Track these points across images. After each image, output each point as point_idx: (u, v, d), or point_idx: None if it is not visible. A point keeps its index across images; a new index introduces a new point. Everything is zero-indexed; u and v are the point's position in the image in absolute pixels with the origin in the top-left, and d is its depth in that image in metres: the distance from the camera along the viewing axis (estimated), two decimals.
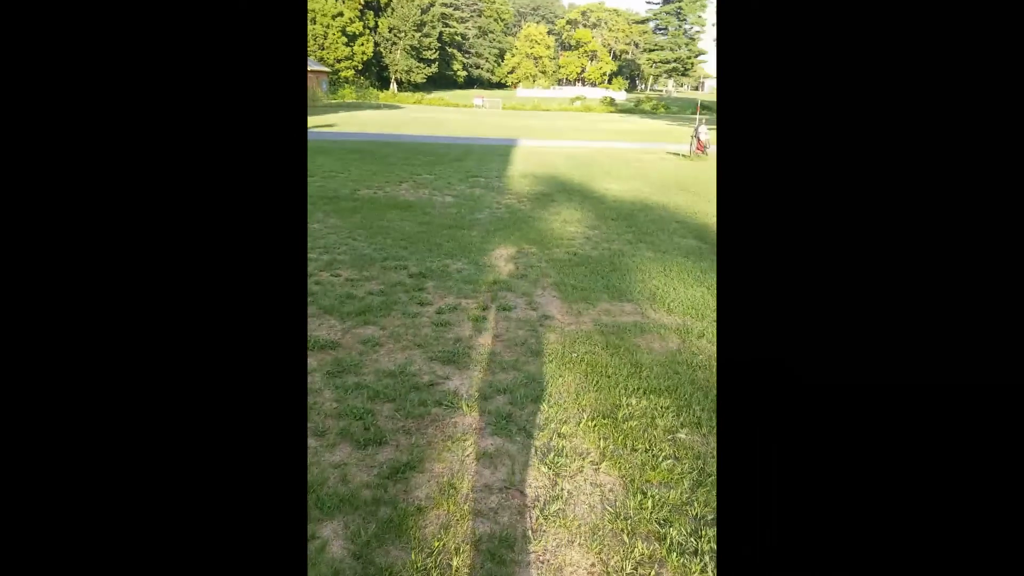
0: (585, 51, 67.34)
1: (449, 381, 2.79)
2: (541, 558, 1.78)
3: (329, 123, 22.01)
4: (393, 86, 51.93)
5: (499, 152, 14.00)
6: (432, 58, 54.55)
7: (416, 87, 53.22)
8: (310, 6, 45.67)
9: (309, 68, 38.54)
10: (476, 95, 49.48)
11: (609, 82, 66.89)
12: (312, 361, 2.93)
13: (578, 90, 58.38)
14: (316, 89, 37.92)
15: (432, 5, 54.12)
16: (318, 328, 3.36)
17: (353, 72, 47.11)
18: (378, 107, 34.93)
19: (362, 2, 50.31)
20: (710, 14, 54.06)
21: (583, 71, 68.08)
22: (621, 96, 54.36)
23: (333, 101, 36.80)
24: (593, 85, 64.68)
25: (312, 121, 22.32)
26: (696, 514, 1.98)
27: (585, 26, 68.48)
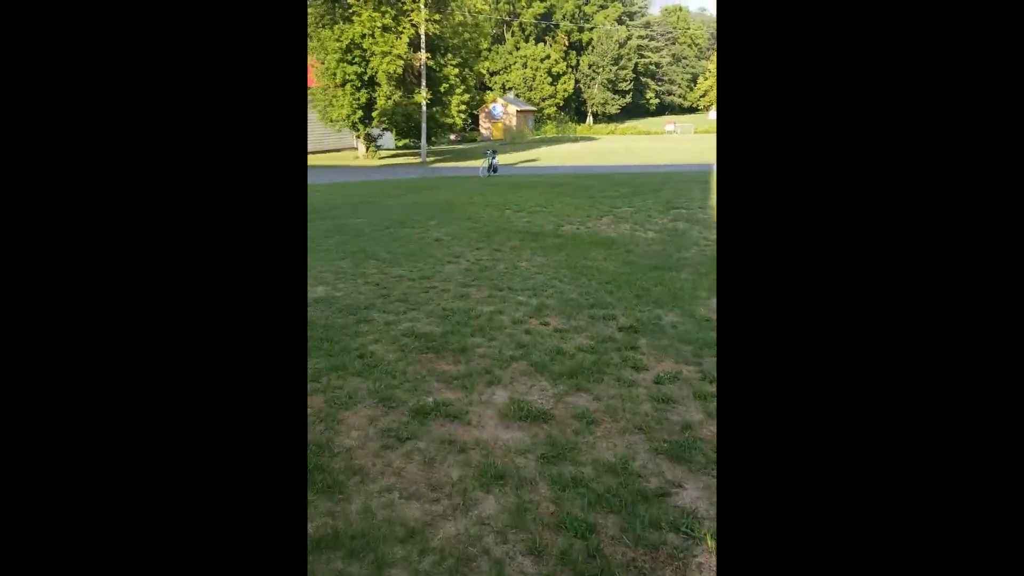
0: None
1: (683, 491, 2.16)
2: None
3: (533, 158, 22.72)
4: (589, 119, 52.39)
5: (698, 180, 12.79)
6: (627, 89, 53.82)
7: (610, 118, 52.98)
8: (523, 53, 48.44)
9: (519, 108, 40.73)
10: (667, 121, 47.45)
11: None
12: (526, 436, 2.55)
13: None
14: (524, 127, 39.85)
15: (629, 38, 53.48)
16: (530, 391, 3.00)
17: (555, 108, 48.60)
18: (575, 140, 35.34)
19: (566, 44, 51.80)
20: None
21: None
22: None
23: (537, 137, 38.27)
24: None
25: (518, 157, 23.28)
26: None
27: None
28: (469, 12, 23.64)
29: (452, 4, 22.47)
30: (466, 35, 23.12)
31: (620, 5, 55.66)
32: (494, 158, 15.84)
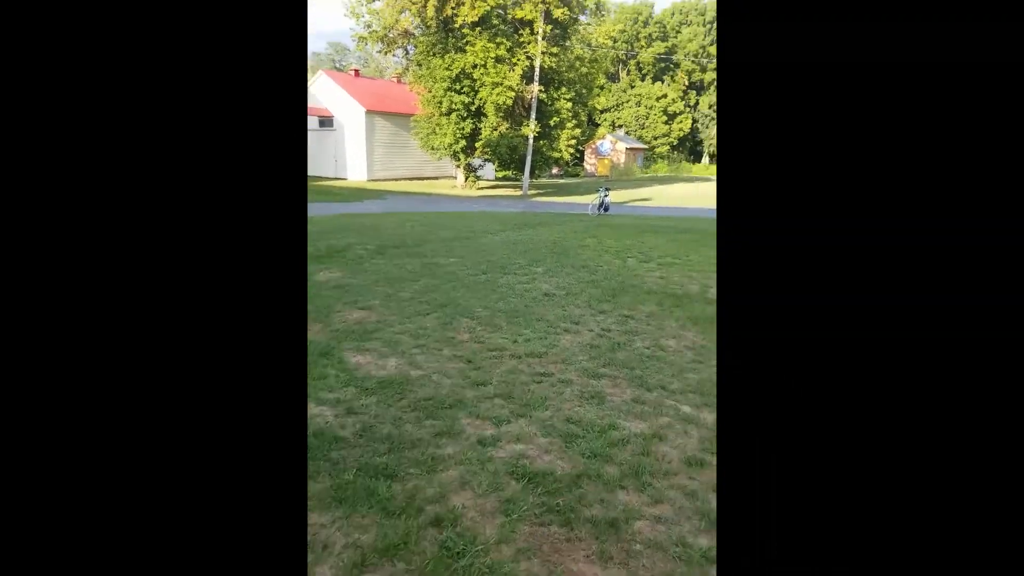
0: None
1: None
2: None
3: (646, 198, 21.15)
4: (705, 159, 49.95)
5: None
6: None
7: None
8: (638, 91, 47.55)
9: (628, 146, 39.52)
10: None
11: None
12: None
13: None
14: (632, 165, 38.45)
15: None
16: None
17: (668, 147, 46.88)
18: (691, 180, 33.27)
19: (686, 84, 50.28)
20: None
21: None
22: None
23: (646, 175, 36.63)
24: None
25: (628, 195, 21.82)
26: None
27: None
28: (589, 46, 22.98)
29: (572, 38, 21.91)
30: (583, 69, 22.40)
31: None
32: (607, 195, 14.50)
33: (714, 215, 14.62)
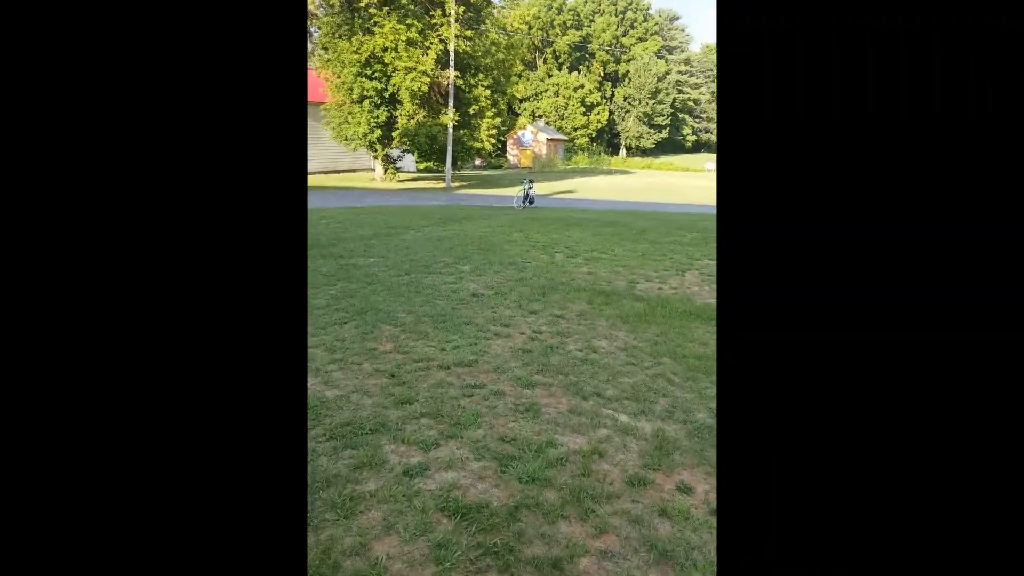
0: None
1: None
2: None
3: (569, 189, 21.38)
4: (622, 151, 51.50)
5: None
6: (663, 124, 53.02)
7: (644, 152, 52.05)
8: (555, 81, 48.04)
9: (549, 137, 39.91)
10: (706, 159, 46.26)
11: None
12: None
13: None
14: (554, 156, 38.88)
15: (668, 73, 52.97)
16: None
17: (587, 139, 47.85)
18: (610, 172, 34.14)
19: (602, 74, 51.47)
20: None
21: None
22: None
23: (568, 167, 37.20)
24: None
25: (553, 187, 21.98)
26: None
27: None
28: (505, 31, 22.77)
29: (487, 21, 21.60)
30: (500, 55, 22.18)
31: (660, 39, 55.48)
32: (531, 187, 14.44)
33: (633, 207, 15.11)
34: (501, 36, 22.47)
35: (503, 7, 22.64)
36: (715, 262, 6.87)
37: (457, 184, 22.39)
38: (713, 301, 5.44)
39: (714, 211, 14.30)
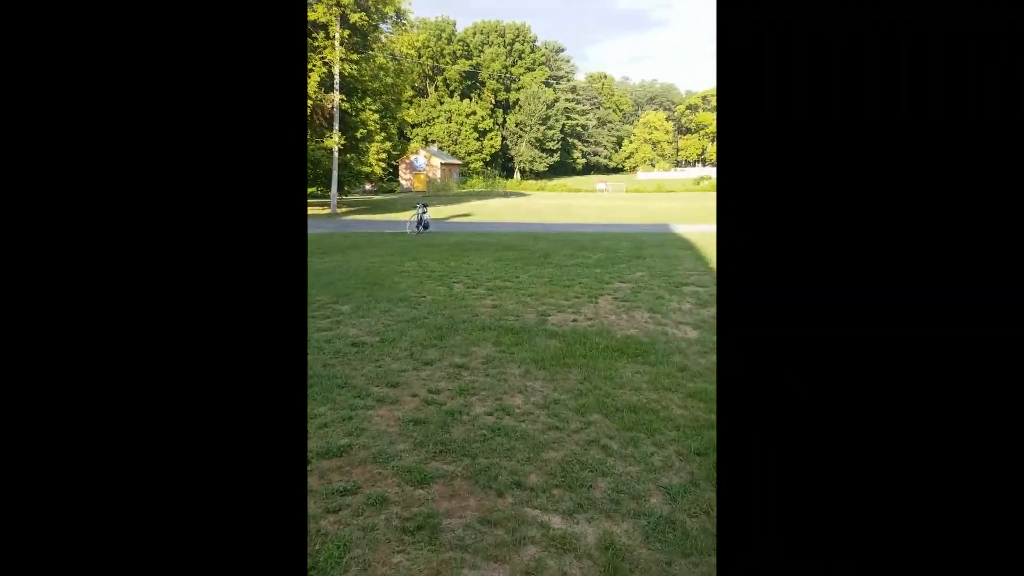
0: (706, 133, 64.50)
1: None
2: None
3: (465, 213, 20.68)
4: (517, 175, 52.14)
5: (673, 242, 11.12)
6: (554, 148, 54.51)
7: (538, 175, 53.09)
8: (447, 107, 47.72)
9: (443, 161, 39.28)
10: (596, 180, 48.09)
11: None
12: None
13: (700, 171, 55.16)
14: (448, 180, 38.22)
15: (556, 100, 54.75)
16: None
17: (481, 163, 47.88)
18: (506, 195, 34.04)
19: (493, 102, 52.03)
20: None
21: (703, 152, 65.00)
22: None
23: (463, 191, 36.66)
24: (714, 165, 61.19)
25: (449, 211, 21.18)
26: None
27: (706, 110, 66.03)
28: (394, 56, 21.86)
29: (374, 46, 20.59)
30: (388, 79, 21.20)
31: (547, 69, 57.38)
32: (425, 212, 13.50)
33: (532, 228, 14.67)
34: (390, 61, 21.51)
35: (391, 32, 21.70)
36: (626, 285, 6.31)
37: (344, 210, 20.86)
38: (633, 332, 4.80)
39: (611, 230, 14.21)
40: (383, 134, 21.74)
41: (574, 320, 5.17)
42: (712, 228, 14.23)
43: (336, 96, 18.83)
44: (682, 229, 14.33)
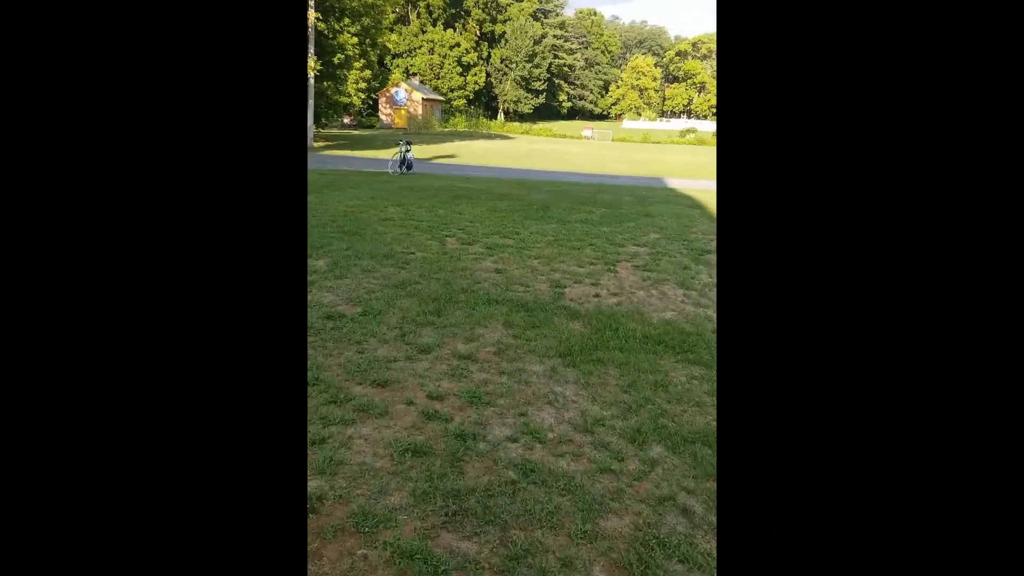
0: (693, 83, 62.29)
1: None
2: None
3: (449, 154, 19.20)
4: (501, 116, 49.72)
5: (674, 199, 10.21)
6: (540, 89, 51.92)
7: (522, 117, 50.77)
8: (430, 37, 44.54)
9: (425, 96, 36.87)
10: (582, 126, 46.22)
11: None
12: None
13: (686, 122, 53.59)
14: (431, 117, 36.00)
15: (544, 36, 51.64)
16: None
17: (464, 101, 45.34)
18: (491, 137, 32.24)
19: (478, 33, 48.77)
20: None
21: (690, 103, 63.03)
22: None
23: (445, 130, 34.62)
24: (700, 117, 59.50)
25: (432, 151, 19.65)
26: None
27: (695, 58, 63.47)
28: None
29: None
30: None
31: (536, 0, 53.75)
32: (408, 151, 12.19)
33: (523, 175, 13.51)
34: None
35: None
36: (643, 250, 5.40)
37: (321, 144, 19.14)
38: (671, 315, 3.95)
39: (606, 182, 13.18)
40: (362, 61, 19.79)
41: (596, 296, 4.27)
42: (712, 185, 13.31)
43: (311, 14, 16.76)
44: (679, 184, 13.39)
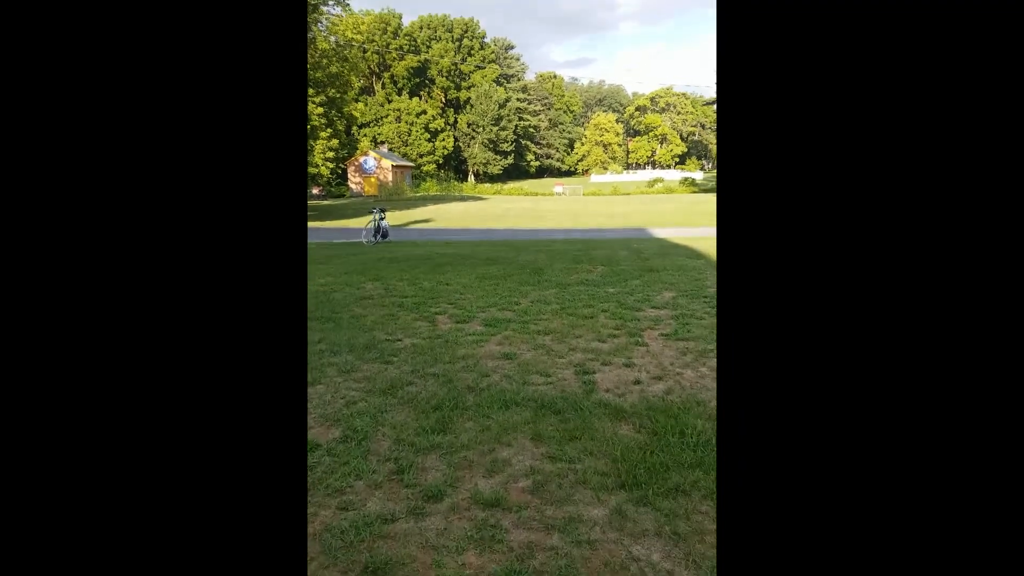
0: (655, 135, 64.51)
1: None
2: None
3: (425, 218, 18.66)
4: (471, 178, 50.20)
5: (670, 250, 9.64)
6: (508, 150, 52.89)
7: (492, 178, 51.35)
8: (396, 106, 45.26)
9: (394, 164, 36.92)
10: (552, 183, 46.84)
11: (682, 163, 63.35)
12: None
13: (652, 173, 54.94)
14: (401, 183, 35.89)
15: (508, 100, 53.14)
16: None
17: (434, 166, 45.69)
18: (463, 199, 32.11)
19: (443, 100, 49.91)
20: None
21: (653, 154, 65.03)
22: (699, 176, 50.26)
23: (417, 195, 34.44)
24: (664, 167, 61.24)
25: (406, 216, 19.10)
26: None
27: (654, 111, 66.07)
28: (338, 41, 19.58)
29: (314, 28, 18.27)
30: (333, 68, 18.94)
31: (497, 67, 55.72)
32: (383, 218, 11.51)
33: (504, 236, 12.93)
34: (333, 47, 19.21)
35: (334, 14, 19.39)
36: (663, 312, 4.53)
37: None
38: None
39: (591, 236, 12.66)
40: (329, 130, 19.47)
41: (636, 382, 3.44)
42: (702, 232, 12.89)
43: None
44: (666, 233, 12.95)
